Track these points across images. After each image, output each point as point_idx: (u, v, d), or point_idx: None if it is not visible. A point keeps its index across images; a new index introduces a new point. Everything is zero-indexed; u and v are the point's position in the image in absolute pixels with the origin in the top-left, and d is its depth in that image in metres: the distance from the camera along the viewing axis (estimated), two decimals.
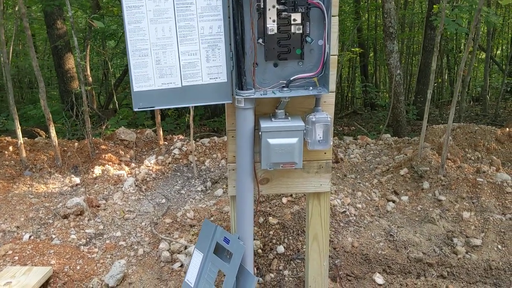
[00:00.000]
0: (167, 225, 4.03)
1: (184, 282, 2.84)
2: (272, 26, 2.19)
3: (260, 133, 2.33)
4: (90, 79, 9.46)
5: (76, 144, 6.11)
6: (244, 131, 2.35)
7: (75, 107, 7.01)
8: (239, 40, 2.17)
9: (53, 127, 5.40)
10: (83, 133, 6.78)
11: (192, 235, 3.81)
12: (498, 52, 16.08)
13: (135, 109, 2.24)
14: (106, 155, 5.69)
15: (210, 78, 2.24)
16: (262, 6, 2.17)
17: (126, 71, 12.00)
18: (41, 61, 13.68)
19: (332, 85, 2.34)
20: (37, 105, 9.10)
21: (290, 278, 3.29)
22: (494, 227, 3.69)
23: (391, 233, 3.68)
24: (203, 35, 2.19)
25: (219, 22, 2.20)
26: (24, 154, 5.42)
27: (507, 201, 4.01)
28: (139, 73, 2.18)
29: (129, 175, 5.17)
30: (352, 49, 12.35)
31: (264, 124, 2.31)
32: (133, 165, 5.60)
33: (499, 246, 3.51)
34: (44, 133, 7.14)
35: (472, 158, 5.20)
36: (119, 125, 7.95)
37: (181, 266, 3.45)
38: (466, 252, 3.46)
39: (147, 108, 2.25)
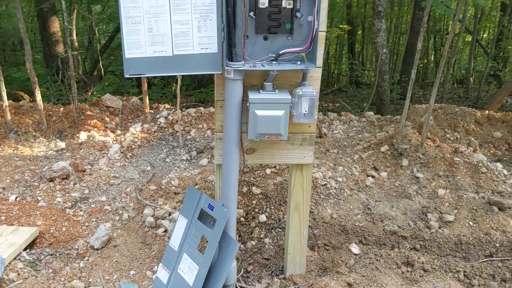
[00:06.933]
0: (152, 192, 4.11)
1: (168, 246, 2.93)
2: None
3: (248, 104, 2.40)
4: (76, 44, 9.33)
5: (61, 109, 6.09)
6: (233, 102, 2.42)
7: (60, 72, 6.95)
8: (231, 12, 2.22)
9: (39, 91, 5.37)
10: (68, 98, 6.75)
11: (177, 202, 3.90)
12: (485, 35, 16.20)
13: (126, 76, 2.28)
14: (92, 121, 5.70)
15: (201, 48, 2.29)
16: None
17: (112, 38, 11.83)
18: (25, 23, 13.34)
19: (319, 61, 2.41)
20: (21, 68, 8.96)
21: (271, 246, 3.42)
22: (467, 205, 3.86)
23: (369, 207, 3.82)
24: (196, 5, 2.23)
25: None
26: (9, 117, 5.41)
27: (481, 181, 4.17)
28: (131, 40, 2.22)
29: (114, 142, 5.20)
30: (341, 26, 12.33)
31: (252, 96, 2.38)
32: (118, 132, 5.63)
33: (471, 223, 3.68)
34: (28, 96, 7.08)
35: (451, 138, 5.35)
36: (105, 91, 7.91)
37: (165, 231, 3.55)
38: (439, 227, 3.62)
39: (137, 75, 2.30)
